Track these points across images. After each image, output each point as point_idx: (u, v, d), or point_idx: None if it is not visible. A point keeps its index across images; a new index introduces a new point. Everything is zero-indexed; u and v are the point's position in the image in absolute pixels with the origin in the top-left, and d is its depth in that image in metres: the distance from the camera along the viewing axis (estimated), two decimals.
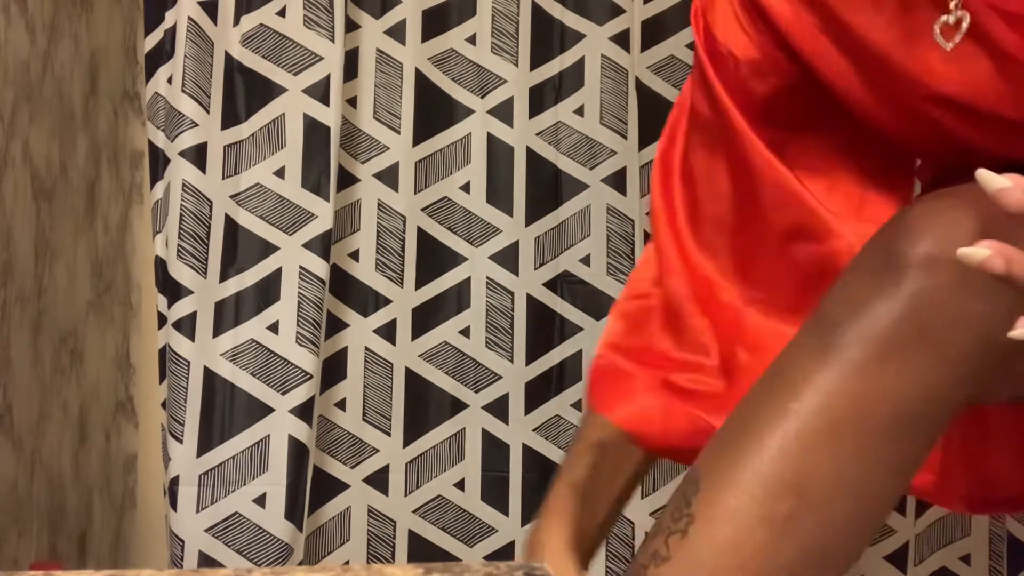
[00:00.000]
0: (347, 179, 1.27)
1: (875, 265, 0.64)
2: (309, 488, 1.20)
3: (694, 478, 0.67)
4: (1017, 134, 0.71)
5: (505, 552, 1.27)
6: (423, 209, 1.28)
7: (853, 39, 0.72)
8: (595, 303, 1.29)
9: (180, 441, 1.16)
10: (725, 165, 0.83)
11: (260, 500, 1.17)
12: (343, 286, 1.26)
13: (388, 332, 1.27)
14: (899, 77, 0.72)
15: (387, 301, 1.27)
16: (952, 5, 0.67)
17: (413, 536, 1.27)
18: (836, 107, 0.79)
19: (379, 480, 1.26)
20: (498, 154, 1.30)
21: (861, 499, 0.64)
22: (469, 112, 1.30)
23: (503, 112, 1.30)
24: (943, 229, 0.62)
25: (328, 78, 1.22)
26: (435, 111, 1.29)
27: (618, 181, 1.30)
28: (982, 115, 0.70)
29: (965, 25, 0.66)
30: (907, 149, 0.83)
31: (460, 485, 1.28)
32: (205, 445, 1.17)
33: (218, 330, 1.18)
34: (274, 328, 1.19)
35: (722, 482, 0.64)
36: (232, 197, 1.21)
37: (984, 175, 0.53)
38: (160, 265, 1.19)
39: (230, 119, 1.21)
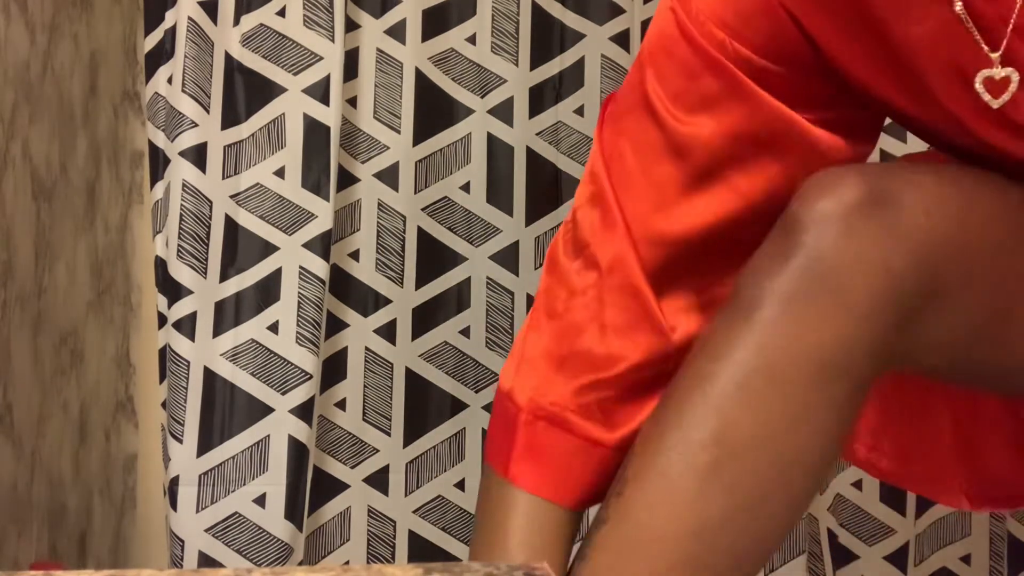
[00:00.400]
0: (347, 179, 1.27)
1: (778, 231, 0.69)
2: (309, 488, 1.20)
3: (632, 449, 0.70)
4: None
5: None
6: (423, 209, 1.28)
7: (877, 29, 0.71)
8: None
9: (180, 441, 1.16)
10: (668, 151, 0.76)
11: (260, 500, 1.17)
12: (343, 286, 1.26)
13: (388, 332, 1.27)
14: (926, 74, 0.71)
15: (387, 301, 1.27)
16: (995, 57, 0.67)
17: (413, 536, 1.27)
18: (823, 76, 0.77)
19: (379, 480, 1.26)
20: (498, 154, 1.30)
21: (783, 448, 0.66)
22: (469, 112, 1.30)
23: (503, 112, 1.30)
24: (832, 190, 0.67)
25: (328, 78, 1.22)
26: (435, 111, 1.29)
27: None
28: (1006, 122, 0.71)
29: (1014, 85, 0.67)
30: (924, 135, 0.82)
31: (460, 485, 1.28)
32: (205, 445, 1.17)
33: (218, 330, 1.18)
34: (274, 328, 1.19)
35: (654, 445, 0.68)
36: (232, 197, 1.21)
37: None
38: (160, 265, 1.19)
39: (230, 119, 1.21)
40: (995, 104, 0.68)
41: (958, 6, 0.67)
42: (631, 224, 0.76)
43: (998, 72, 0.67)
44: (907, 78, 0.72)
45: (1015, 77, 0.67)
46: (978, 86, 0.68)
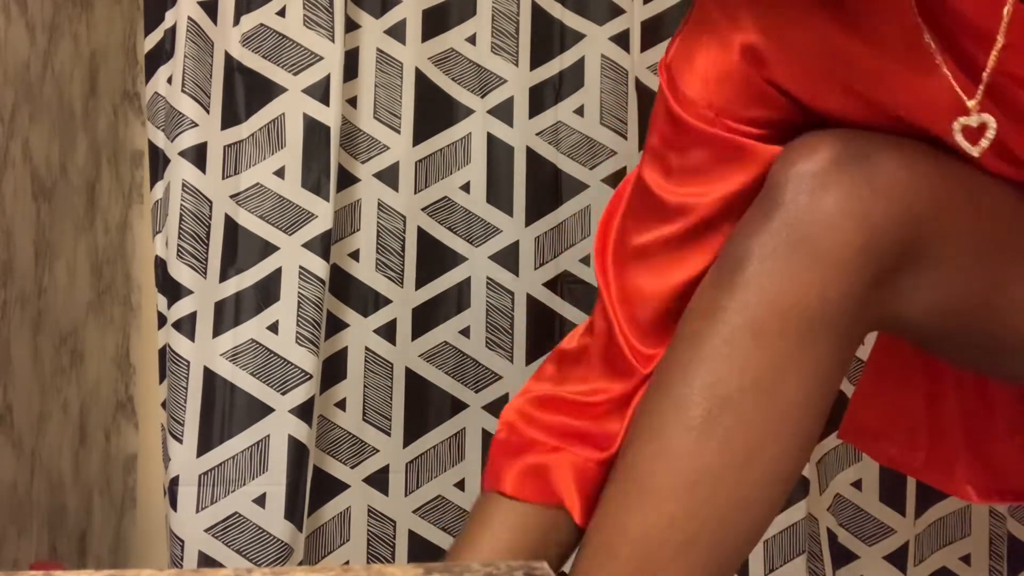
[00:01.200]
0: (347, 179, 1.27)
1: (762, 195, 0.72)
2: (309, 488, 1.20)
3: (635, 411, 0.75)
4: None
5: None
6: (423, 209, 1.28)
7: (863, 91, 0.73)
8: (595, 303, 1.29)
9: (180, 441, 1.16)
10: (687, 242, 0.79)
11: (260, 500, 1.17)
12: (343, 286, 1.26)
13: (388, 332, 1.27)
14: (917, 126, 0.72)
15: (387, 301, 1.27)
16: (971, 104, 0.68)
17: (413, 536, 1.27)
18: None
19: (379, 480, 1.26)
20: (498, 154, 1.30)
21: (771, 400, 0.68)
22: (469, 112, 1.30)
23: (503, 112, 1.30)
24: (810, 150, 0.69)
25: (328, 78, 1.22)
26: (435, 111, 1.29)
27: (618, 181, 1.29)
28: (1010, 156, 0.71)
29: (991, 133, 0.68)
30: None
31: (460, 485, 1.28)
32: (205, 445, 1.17)
33: (218, 330, 1.18)
34: (274, 328, 1.19)
35: (651, 405, 0.72)
36: (232, 197, 1.21)
37: None
38: (160, 265, 1.19)
39: (230, 119, 1.21)
40: (974, 152, 0.70)
41: (938, 58, 0.68)
42: (612, 286, 0.80)
43: (975, 120, 0.69)
44: (899, 129, 0.73)
45: (992, 123, 0.68)
46: (957, 135, 0.70)
